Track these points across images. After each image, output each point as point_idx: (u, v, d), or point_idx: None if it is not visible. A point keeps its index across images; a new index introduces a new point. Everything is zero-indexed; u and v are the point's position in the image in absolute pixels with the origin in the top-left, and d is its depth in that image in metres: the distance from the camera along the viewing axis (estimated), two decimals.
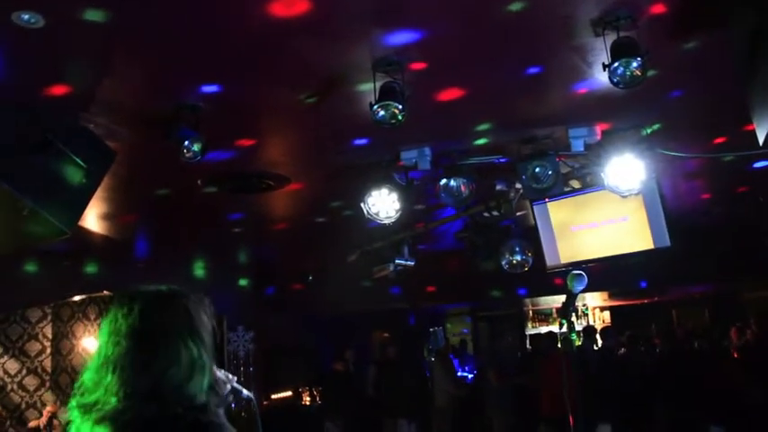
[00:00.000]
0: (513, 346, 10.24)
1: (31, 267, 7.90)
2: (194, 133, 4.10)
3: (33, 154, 3.87)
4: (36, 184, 3.90)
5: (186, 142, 4.10)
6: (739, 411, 7.21)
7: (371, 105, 3.70)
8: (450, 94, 4.27)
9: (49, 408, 8.56)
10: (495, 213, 6.00)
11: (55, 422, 8.34)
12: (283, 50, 3.58)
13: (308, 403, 10.86)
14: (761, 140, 3.29)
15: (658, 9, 3.44)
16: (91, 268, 8.85)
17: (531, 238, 6.16)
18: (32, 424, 8.61)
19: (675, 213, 6.53)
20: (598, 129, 4.97)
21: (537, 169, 4.88)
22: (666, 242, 5.58)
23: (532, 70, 4.04)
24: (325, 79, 3.93)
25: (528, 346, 11.60)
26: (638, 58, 3.45)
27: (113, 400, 1.50)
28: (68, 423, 1.57)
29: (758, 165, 6.30)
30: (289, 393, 11.07)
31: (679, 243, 5.71)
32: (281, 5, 3.15)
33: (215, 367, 1.79)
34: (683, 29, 3.67)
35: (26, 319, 9.54)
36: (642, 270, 9.57)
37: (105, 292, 9.31)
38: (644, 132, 5.06)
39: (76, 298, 9.64)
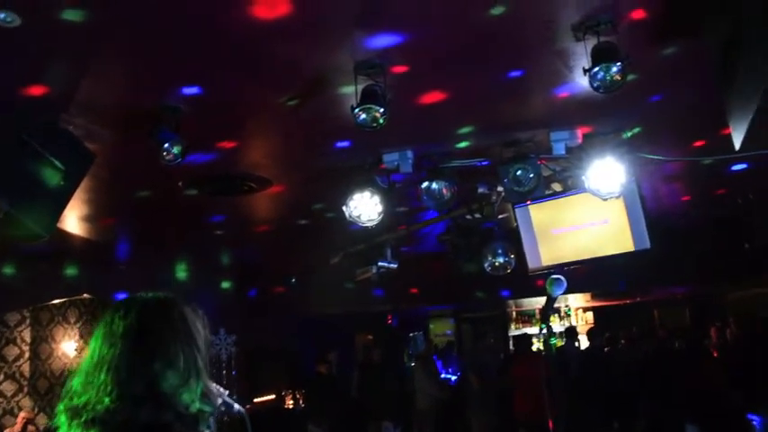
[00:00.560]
0: (495, 347, 10.24)
1: (8, 270, 7.81)
2: (174, 135, 4.07)
3: (9, 156, 3.82)
4: (12, 186, 3.85)
5: (166, 144, 4.07)
6: (716, 411, 7.28)
7: (353, 108, 3.69)
8: (431, 98, 4.28)
9: (23, 414, 8.38)
10: (477, 216, 6.01)
11: (30, 428, 8.20)
12: (265, 52, 3.57)
13: (291, 406, 10.81)
14: (737, 145, 3.33)
15: (638, 15, 3.47)
16: (71, 271, 8.76)
17: (513, 240, 6.19)
18: (8, 431, 8.49)
19: (656, 215, 6.60)
20: (579, 132, 5.01)
21: (518, 172, 4.89)
22: (647, 244, 5.63)
23: (514, 74, 4.06)
24: (307, 81, 3.92)
25: (512, 347, 11.68)
26: (618, 63, 3.47)
27: (106, 400, 1.47)
28: (49, 429, 1.54)
29: (735, 168, 6.38)
30: (272, 396, 11.00)
31: (660, 244, 5.76)
32: (262, 7, 3.13)
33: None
34: (662, 35, 3.71)
35: (4, 322, 9.39)
36: (624, 271, 9.61)
37: (85, 295, 9.21)
38: (624, 136, 5.10)
39: (56, 301, 9.52)
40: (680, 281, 10.75)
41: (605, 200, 5.06)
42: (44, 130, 4.00)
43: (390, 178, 5.30)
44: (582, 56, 3.66)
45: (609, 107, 4.56)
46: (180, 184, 5.70)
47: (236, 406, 2.07)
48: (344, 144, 4.99)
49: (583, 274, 8.00)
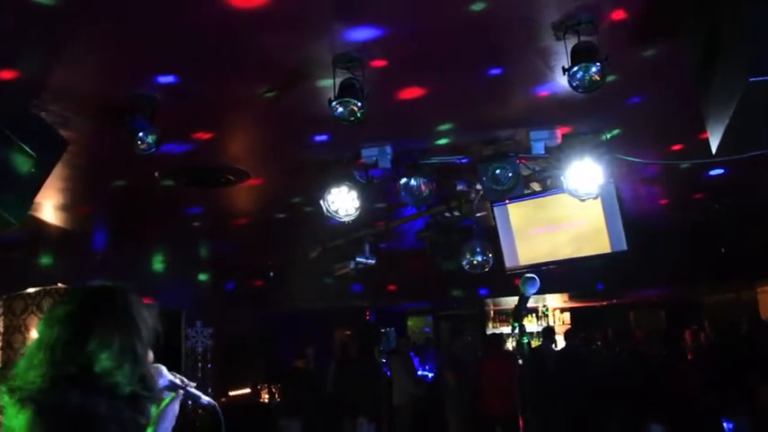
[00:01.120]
0: (472, 345, 10.24)
1: None
2: (148, 125, 4.01)
3: None
4: None
5: (140, 134, 4.02)
6: (688, 414, 7.34)
7: (330, 101, 3.66)
8: (411, 93, 4.25)
9: None
10: (455, 213, 6.00)
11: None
12: (242, 43, 3.52)
13: (266, 401, 10.76)
14: (714, 149, 3.33)
15: (619, 15, 3.47)
16: (46, 260, 8.66)
17: (492, 238, 6.18)
18: None
19: (634, 218, 6.62)
20: (559, 132, 5.01)
21: (497, 171, 4.88)
22: (623, 246, 5.65)
23: (494, 71, 4.04)
24: (285, 73, 3.88)
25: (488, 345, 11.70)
26: (598, 64, 3.46)
27: (39, 380, 1.52)
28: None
29: (713, 172, 6.41)
30: (247, 390, 10.95)
31: (637, 247, 5.79)
32: None
33: (159, 365, 1.80)
34: (642, 36, 3.71)
35: None
36: (601, 273, 9.70)
37: (60, 284, 9.10)
38: (603, 137, 5.11)
39: (30, 290, 9.39)
40: (656, 284, 10.84)
41: (583, 201, 5.07)
42: (15, 116, 3.92)
43: (369, 173, 5.26)
44: (562, 55, 3.65)
45: (588, 108, 4.56)
46: (156, 174, 5.63)
47: (205, 398, 2.04)
48: (323, 138, 4.94)
49: (560, 275, 8.04)
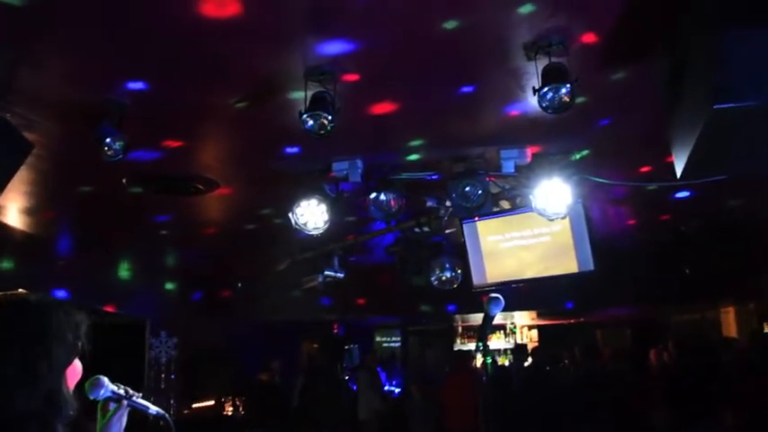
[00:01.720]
0: (440, 360, 10.23)
1: None
2: (116, 132, 3.95)
3: None
4: None
5: (108, 140, 3.95)
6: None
7: (301, 114, 3.64)
8: (382, 108, 4.25)
9: None
10: (425, 229, 6.01)
11: None
12: (213, 52, 3.49)
13: (230, 413, 10.61)
14: (678, 173, 3.39)
15: (589, 38, 3.52)
16: (6, 264, 8.45)
17: (461, 255, 6.20)
18: None
19: (602, 237, 6.71)
20: (529, 151, 5.05)
21: (467, 188, 4.90)
22: (590, 266, 5.70)
23: (465, 89, 4.07)
24: (256, 84, 3.86)
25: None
26: (567, 85, 3.50)
27: None
28: None
29: (679, 195, 6.51)
30: (211, 402, 10.79)
31: (604, 266, 5.84)
32: (211, 6, 3.07)
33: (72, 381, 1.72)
34: (611, 60, 3.76)
35: None
36: (569, 291, 9.79)
37: (21, 290, 8.90)
38: (573, 158, 5.16)
39: None
40: (622, 303, 10.96)
41: (551, 220, 5.11)
42: None
43: (339, 187, 5.25)
44: (533, 75, 3.69)
45: (558, 128, 4.60)
46: (124, 181, 5.55)
47: (154, 408, 2.01)
48: (294, 150, 4.92)
49: (528, 293, 8.09)
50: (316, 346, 12.50)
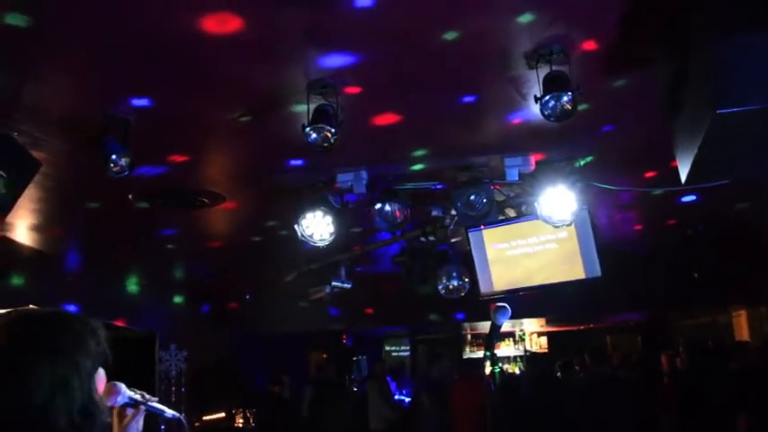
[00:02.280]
0: (449, 369, 10.19)
1: None
2: (122, 148, 3.98)
3: None
4: None
5: (114, 156, 3.98)
6: None
7: (304, 127, 3.66)
8: (385, 119, 4.27)
9: None
10: (431, 239, 6.01)
11: None
12: (215, 67, 3.52)
13: (241, 425, 10.60)
14: (683, 178, 3.38)
15: (590, 46, 3.52)
16: (17, 281, 8.50)
17: (467, 263, 6.19)
18: None
19: (609, 243, 6.68)
20: (533, 159, 5.05)
21: (472, 197, 4.90)
22: (597, 273, 5.68)
23: (467, 99, 4.08)
24: (259, 98, 3.88)
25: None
26: (569, 93, 3.51)
27: None
28: None
29: (685, 199, 6.50)
30: (222, 415, 10.78)
31: (612, 272, 5.82)
32: (212, 22, 3.09)
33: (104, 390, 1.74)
34: (613, 66, 3.77)
35: None
36: (577, 298, 9.73)
37: (31, 306, 8.93)
38: (577, 164, 5.16)
39: (1, 312, 9.21)
40: (631, 308, 10.90)
41: (557, 227, 5.10)
42: None
43: (344, 198, 5.26)
44: (535, 83, 3.69)
45: (561, 135, 4.60)
46: (130, 196, 5.58)
47: (169, 411, 2.02)
48: (298, 162, 4.94)
49: (536, 300, 8.07)
50: (324, 356, 12.47)
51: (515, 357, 13.85)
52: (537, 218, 5.07)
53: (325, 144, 3.68)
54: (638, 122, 4.57)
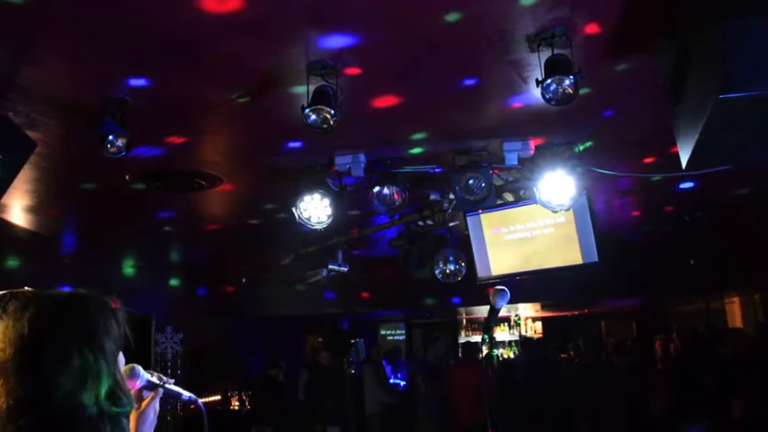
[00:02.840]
0: (445, 353, 10.23)
1: None
2: (119, 128, 3.94)
3: None
4: None
5: (110, 137, 3.94)
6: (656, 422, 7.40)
7: (303, 109, 3.63)
8: (385, 101, 4.24)
9: None
10: (429, 222, 5.99)
11: None
12: (214, 47, 3.48)
13: (237, 408, 10.65)
14: (683, 164, 3.37)
15: (592, 29, 3.49)
16: (12, 262, 8.48)
17: (464, 248, 6.18)
18: None
19: (607, 228, 6.68)
20: (532, 143, 5.02)
21: (470, 181, 4.88)
22: (595, 258, 5.68)
23: (468, 82, 4.05)
24: (258, 79, 3.84)
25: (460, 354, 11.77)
26: (571, 77, 3.49)
27: None
28: None
29: (684, 186, 6.49)
30: (217, 397, 10.82)
31: (609, 258, 5.83)
32: (212, 1, 3.05)
33: (132, 372, 1.76)
34: (615, 50, 3.74)
35: None
36: (573, 283, 9.76)
37: (27, 288, 8.91)
38: (576, 149, 5.13)
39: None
40: (626, 294, 10.94)
41: (555, 212, 5.09)
42: None
43: (342, 181, 5.24)
44: (536, 67, 3.67)
45: (562, 119, 4.58)
46: (127, 177, 5.55)
47: (186, 393, 2.01)
48: (296, 144, 4.91)
49: (532, 285, 8.09)
50: (320, 340, 12.52)
51: (510, 342, 13.92)
52: (535, 203, 5.06)
53: (325, 126, 3.65)
54: (639, 107, 4.55)
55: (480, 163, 4.98)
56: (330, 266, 6.48)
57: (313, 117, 3.63)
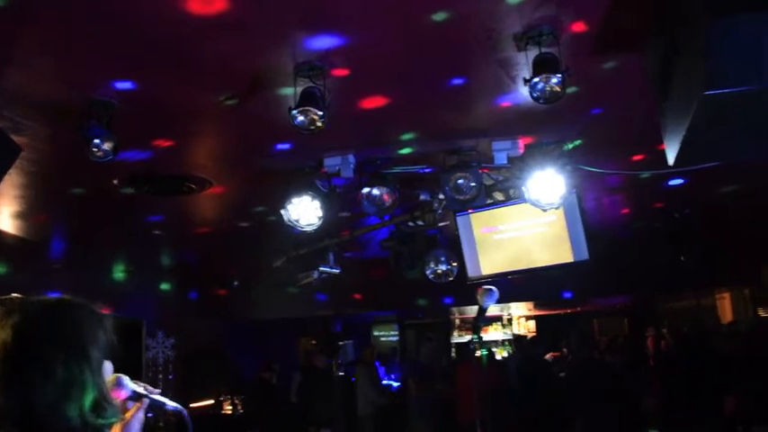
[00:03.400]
0: (436, 353, 10.22)
1: None
2: (105, 131, 3.91)
3: None
4: None
5: (97, 140, 3.91)
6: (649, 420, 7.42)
7: (290, 110, 3.61)
8: (373, 102, 4.23)
9: None
10: (419, 223, 5.99)
11: None
12: (200, 49, 3.46)
13: (229, 412, 10.61)
14: (670, 161, 3.37)
15: (579, 27, 3.50)
16: (0, 269, 8.41)
17: (456, 247, 6.18)
18: None
19: (597, 226, 6.69)
20: (521, 142, 5.03)
21: (460, 181, 4.88)
22: (585, 256, 5.69)
23: (456, 81, 4.04)
24: (245, 81, 3.83)
25: (453, 354, 11.77)
26: (558, 75, 3.49)
27: None
28: None
29: (672, 183, 6.51)
30: (210, 401, 10.77)
31: (600, 255, 5.84)
32: (197, 2, 3.04)
33: (116, 383, 1.69)
34: (602, 48, 3.74)
35: None
36: (565, 281, 9.81)
37: (14, 294, 8.84)
38: (565, 147, 5.14)
39: None
40: (618, 291, 10.97)
41: (545, 211, 5.10)
42: None
43: (331, 182, 5.22)
44: (524, 66, 3.67)
45: (550, 118, 4.58)
46: (115, 182, 5.52)
47: (171, 404, 1.96)
48: (285, 146, 4.89)
49: (525, 283, 8.08)
50: (313, 342, 12.49)
51: (503, 341, 13.93)
52: (525, 201, 5.06)
53: (312, 127, 3.64)
54: (627, 105, 4.56)
55: (470, 162, 4.98)
56: (321, 268, 6.46)
57: (300, 118, 3.61)
